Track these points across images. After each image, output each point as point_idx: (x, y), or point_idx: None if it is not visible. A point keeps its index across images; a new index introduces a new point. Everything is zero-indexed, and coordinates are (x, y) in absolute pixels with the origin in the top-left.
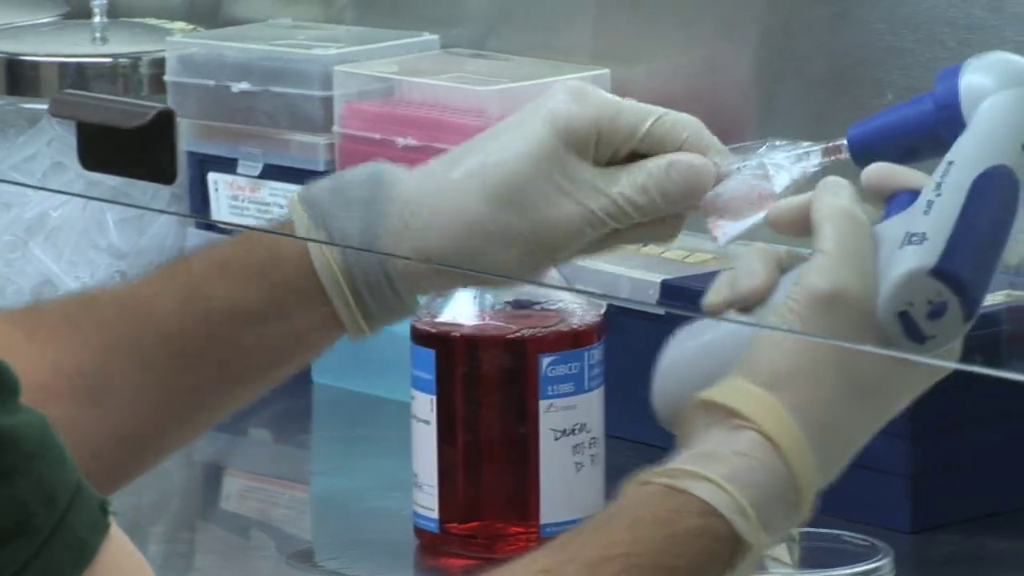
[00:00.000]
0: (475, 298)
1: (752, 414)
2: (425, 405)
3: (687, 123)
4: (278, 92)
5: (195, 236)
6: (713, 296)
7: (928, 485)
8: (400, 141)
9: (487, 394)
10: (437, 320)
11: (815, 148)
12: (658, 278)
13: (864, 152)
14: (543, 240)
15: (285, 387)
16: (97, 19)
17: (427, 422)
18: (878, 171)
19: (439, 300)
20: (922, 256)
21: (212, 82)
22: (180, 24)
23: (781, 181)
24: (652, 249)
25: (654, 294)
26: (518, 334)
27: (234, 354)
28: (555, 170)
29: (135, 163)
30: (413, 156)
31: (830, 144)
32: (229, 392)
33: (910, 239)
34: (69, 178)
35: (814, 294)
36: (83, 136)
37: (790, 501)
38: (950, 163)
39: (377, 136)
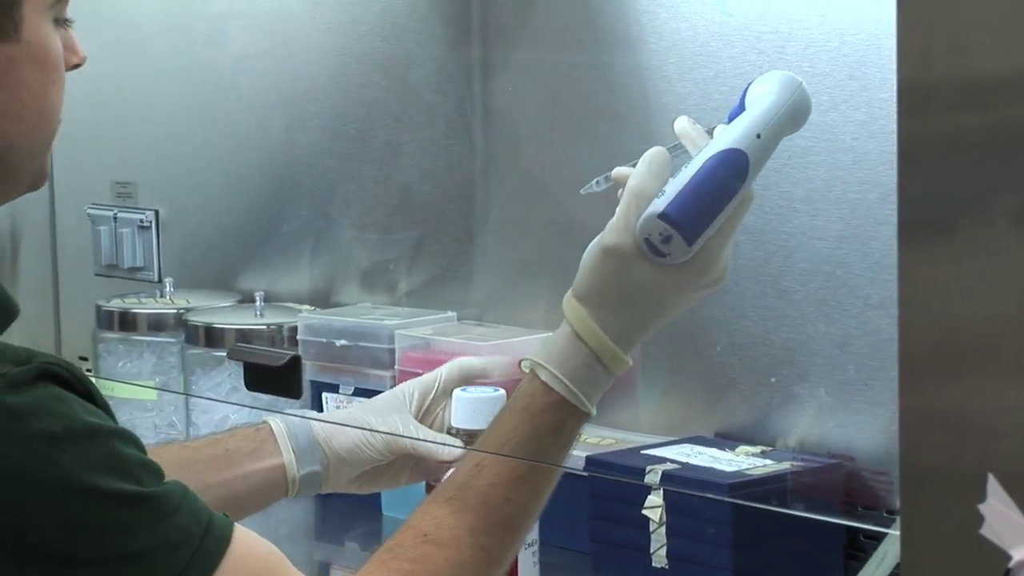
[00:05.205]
0: None
1: (570, 318)
2: None
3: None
4: (363, 345)
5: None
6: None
7: None
8: None
9: None
10: None
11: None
12: (583, 454)
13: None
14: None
15: (360, 516)
16: (258, 303)
17: None
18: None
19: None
20: (657, 205)
21: (324, 339)
22: (306, 306)
23: None
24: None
25: (581, 463)
26: None
27: (242, 490)
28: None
29: (279, 386)
30: None
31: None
32: (239, 506)
33: (661, 193)
34: (240, 396)
35: (601, 247)
36: (248, 371)
37: (598, 371)
38: (707, 145)
39: (420, 371)
